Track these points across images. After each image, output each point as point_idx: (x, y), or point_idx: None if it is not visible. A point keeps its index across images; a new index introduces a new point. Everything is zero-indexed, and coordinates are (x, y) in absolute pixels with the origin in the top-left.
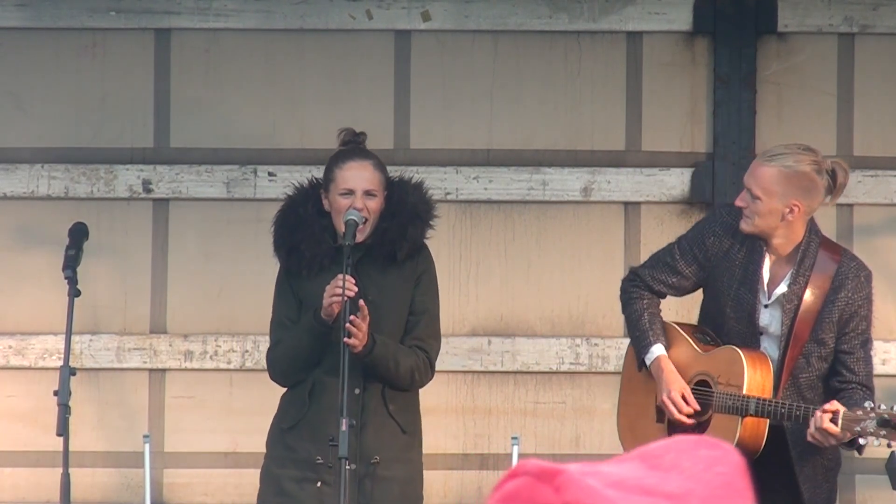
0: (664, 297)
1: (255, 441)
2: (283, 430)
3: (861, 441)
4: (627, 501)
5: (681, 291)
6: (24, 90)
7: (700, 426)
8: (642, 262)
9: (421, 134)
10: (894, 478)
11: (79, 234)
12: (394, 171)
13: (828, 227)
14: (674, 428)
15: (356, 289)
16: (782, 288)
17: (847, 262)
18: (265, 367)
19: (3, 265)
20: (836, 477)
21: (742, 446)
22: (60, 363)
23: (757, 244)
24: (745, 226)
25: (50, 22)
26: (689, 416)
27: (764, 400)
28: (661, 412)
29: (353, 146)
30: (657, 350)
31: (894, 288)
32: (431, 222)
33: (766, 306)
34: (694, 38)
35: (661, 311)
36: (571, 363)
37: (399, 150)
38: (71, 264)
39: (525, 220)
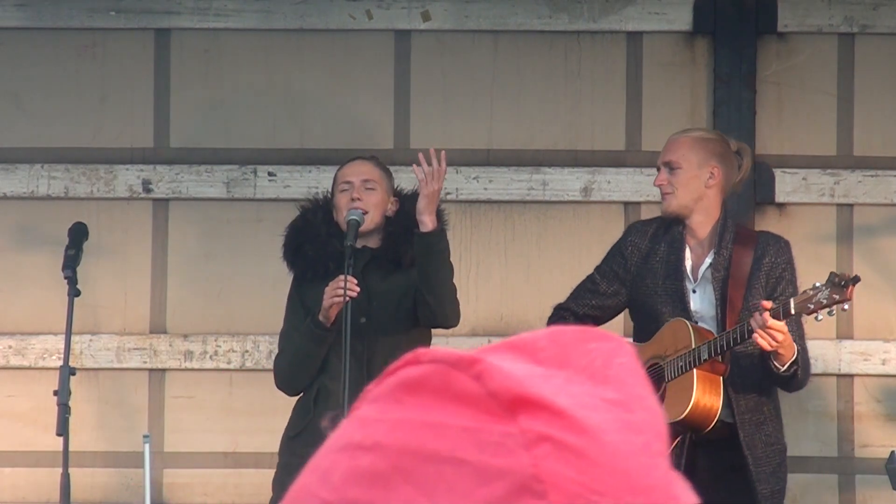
0: (591, 323)
1: (255, 441)
2: (290, 437)
3: (819, 317)
4: (564, 392)
5: (606, 312)
6: (24, 90)
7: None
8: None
9: (421, 134)
10: (894, 478)
11: (79, 234)
12: (407, 187)
13: (828, 228)
14: None
15: (358, 289)
16: (707, 263)
17: (765, 233)
18: (265, 367)
19: (3, 265)
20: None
21: (698, 408)
22: (60, 363)
23: (676, 234)
24: (666, 205)
25: (50, 22)
26: None
27: (712, 340)
28: None
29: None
30: None
31: (894, 288)
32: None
33: (694, 291)
34: (694, 38)
35: None
36: None
37: (399, 150)
38: (71, 264)
39: (525, 220)
